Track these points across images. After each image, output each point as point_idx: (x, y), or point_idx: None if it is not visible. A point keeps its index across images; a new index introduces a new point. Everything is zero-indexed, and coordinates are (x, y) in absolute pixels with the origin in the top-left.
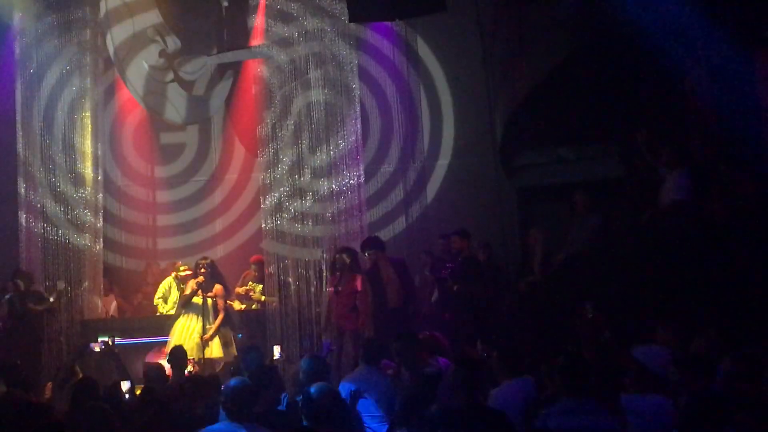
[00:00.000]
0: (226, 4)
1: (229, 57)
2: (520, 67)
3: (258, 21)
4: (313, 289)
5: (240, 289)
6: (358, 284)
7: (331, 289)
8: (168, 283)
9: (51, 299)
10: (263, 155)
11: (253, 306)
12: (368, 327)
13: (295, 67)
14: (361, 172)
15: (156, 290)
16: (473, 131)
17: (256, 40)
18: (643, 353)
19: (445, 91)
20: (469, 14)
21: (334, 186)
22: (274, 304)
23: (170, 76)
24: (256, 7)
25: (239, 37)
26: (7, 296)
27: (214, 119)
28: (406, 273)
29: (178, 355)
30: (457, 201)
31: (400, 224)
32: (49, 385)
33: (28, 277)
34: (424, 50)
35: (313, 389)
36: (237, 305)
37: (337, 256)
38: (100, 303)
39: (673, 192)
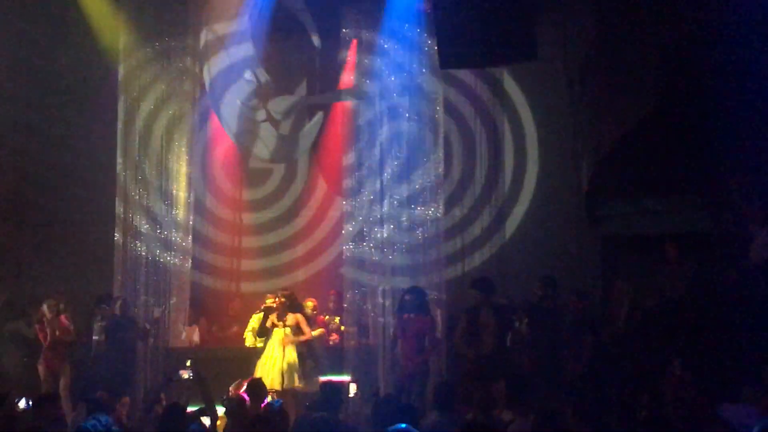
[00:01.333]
0: (318, 45)
1: (319, 99)
2: (607, 115)
3: (350, 56)
4: (391, 319)
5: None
6: (428, 324)
7: (401, 333)
8: (258, 317)
9: (147, 326)
10: (347, 183)
11: (332, 338)
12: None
13: (383, 97)
14: (442, 203)
15: (235, 322)
16: (557, 172)
17: (347, 73)
18: (729, 412)
19: (531, 128)
20: (558, 60)
21: (414, 216)
22: (352, 342)
23: (262, 114)
24: (348, 43)
25: (330, 71)
26: (101, 323)
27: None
28: (506, 319)
29: (255, 387)
30: (537, 241)
31: (476, 259)
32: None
33: (124, 303)
34: (510, 85)
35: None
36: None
37: (407, 297)
38: (184, 331)
39: (764, 249)
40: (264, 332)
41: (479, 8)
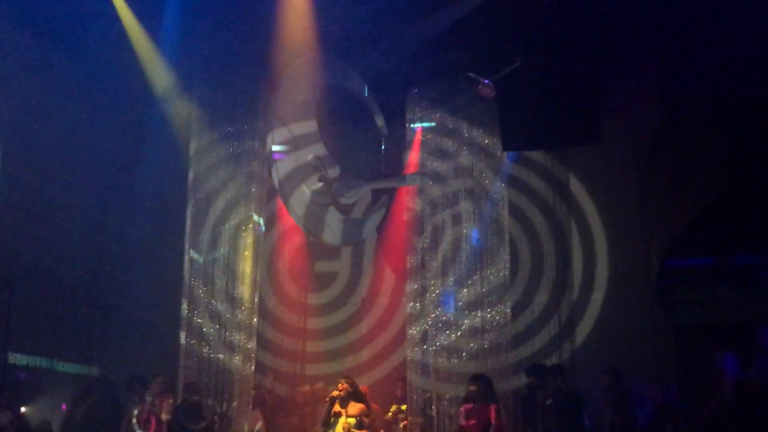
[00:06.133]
0: (383, 129)
1: (383, 183)
2: (678, 201)
3: (413, 155)
4: (455, 427)
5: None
6: (492, 415)
7: (464, 422)
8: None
9: (216, 418)
10: (411, 285)
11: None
12: None
13: (447, 199)
14: (509, 307)
15: (304, 410)
16: (627, 265)
17: (412, 157)
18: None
19: (598, 224)
20: (625, 145)
21: (481, 320)
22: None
23: (328, 200)
24: (412, 140)
25: (395, 168)
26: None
27: (367, 244)
28: (580, 410)
29: None
30: (610, 336)
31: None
32: None
33: (191, 387)
34: (575, 185)
35: None
36: None
37: (471, 387)
38: (246, 426)
39: None
40: (328, 421)
41: (542, 91)
